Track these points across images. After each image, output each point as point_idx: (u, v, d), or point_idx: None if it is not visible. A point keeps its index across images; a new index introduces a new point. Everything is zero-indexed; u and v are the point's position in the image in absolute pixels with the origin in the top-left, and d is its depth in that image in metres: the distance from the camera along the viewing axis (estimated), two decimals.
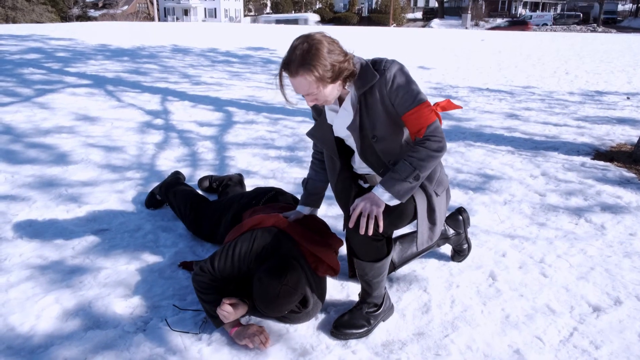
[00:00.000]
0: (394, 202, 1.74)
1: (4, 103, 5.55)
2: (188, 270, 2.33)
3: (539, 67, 11.45)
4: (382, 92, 1.74)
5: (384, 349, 1.87)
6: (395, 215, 1.81)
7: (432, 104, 1.78)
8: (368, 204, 1.73)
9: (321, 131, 1.98)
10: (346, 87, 1.78)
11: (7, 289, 2.13)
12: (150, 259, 2.43)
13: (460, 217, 2.46)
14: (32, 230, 2.66)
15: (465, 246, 2.49)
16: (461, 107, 2.00)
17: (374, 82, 1.73)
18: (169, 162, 3.82)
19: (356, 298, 2.15)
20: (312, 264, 2.01)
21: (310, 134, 2.04)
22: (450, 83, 8.72)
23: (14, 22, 36.37)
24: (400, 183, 1.72)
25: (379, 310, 1.98)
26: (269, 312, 1.80)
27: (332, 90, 1.72)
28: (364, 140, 1.84)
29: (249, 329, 1.86)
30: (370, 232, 1.71)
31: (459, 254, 2.49)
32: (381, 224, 1.72)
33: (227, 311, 1.81)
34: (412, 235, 2.35)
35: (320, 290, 2.03)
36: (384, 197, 1.73)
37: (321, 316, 2.05)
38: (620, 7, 61.06)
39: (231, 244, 1.97)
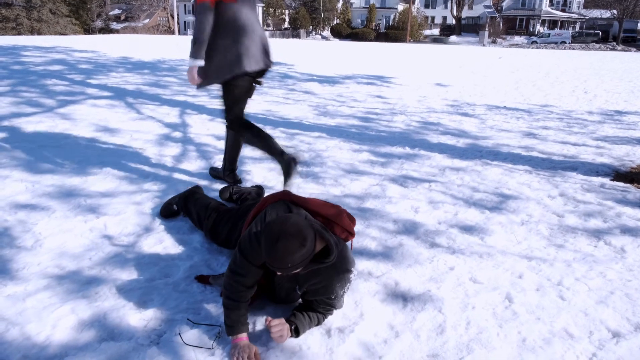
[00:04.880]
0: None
1: (27, 113, 5.67)
2: (204, 284, 2.33)
3: (557, 86, 11.37)
4: None
5: None
6: None
7: None
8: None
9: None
10: None
11: (24, 298, 2.16)
12: (165, 271, 2.44)
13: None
14: (50, 239, 2.70)
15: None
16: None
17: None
18: (186, 175, 3.85)
19: (372, 315, 2.13)
20: (327, 225, 2.03)
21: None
22: (467, 101, 8.70)
23: (39, 33, 37.29)
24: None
25: None
26: (274, 259, 1.74)
27: None
28: None
29: (248, 348, 1.85)
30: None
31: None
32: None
33: (284, 328, 1.89)
34: None
35: (344, 248, 2.01)
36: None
37: (335, 335, 2.03)
38: None
39: (249, 229, 2.00)
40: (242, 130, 3.28)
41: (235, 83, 3.08)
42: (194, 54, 2.90)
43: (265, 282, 2.16)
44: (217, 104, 6.97)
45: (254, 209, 2.19)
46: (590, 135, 6.07)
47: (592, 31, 53.93)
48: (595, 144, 5.58)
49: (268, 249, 1.75)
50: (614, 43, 49.02)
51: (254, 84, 3.20)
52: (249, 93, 3.21)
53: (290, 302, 2.18)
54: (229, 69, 2.97)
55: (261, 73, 3.16)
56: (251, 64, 3.00)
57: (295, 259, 1.73)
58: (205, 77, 3.01)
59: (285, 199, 2.14)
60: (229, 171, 3.62)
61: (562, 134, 6.08)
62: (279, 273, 1.84)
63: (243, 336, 1.89)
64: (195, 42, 2.88)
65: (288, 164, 3.12)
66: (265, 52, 3.10)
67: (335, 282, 1.98)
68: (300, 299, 2.14)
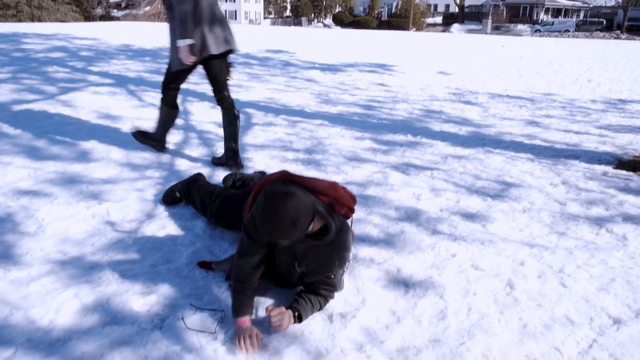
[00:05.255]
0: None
1: (29, 100, 5.66)
2: (206, 269, 2.34)
3: (561, 74, 11.30)
4: None
5: (398, 355, 1.86)
6: None
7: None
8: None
9: None
10: None
11: (28, 283, 2.17)
12: (168, 257, 2.45)
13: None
14: (53, 225, 2.71)
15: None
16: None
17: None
18: (188, 162, 3.85)
19: (374, 301, 2.15)
20: (327, 203, 2.04)
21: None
22: (470, 89, 8.66)
23: (40, 20, 37.07)
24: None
25: None
26: (267, 231, 1.79)
27: None
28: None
29: (249, 330, 1.88)
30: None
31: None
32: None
33: (284, 317, 1.90)
34: None
35: (344, 225, 2.02)
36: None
37: (337, 321, 2.04)
38: None
39: (251, 211, 2.03)
40: (166, 105, 3.70)
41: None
42: (184, 34, 3.19)
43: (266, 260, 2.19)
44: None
45: (254, 189, 2.21)
46: (593, 124, 6.04)
47: (597, 19, 53.41)
48: (598, 133, 5.56)
49: (262, 219, 1.78)
50: (619, 31, 48.58)
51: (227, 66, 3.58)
52: (190, 71, 3.55)
53: (290, 281, 2.17)
54: (199, 52, 3.30)
55: (225, 54, 3.50)
56: (219, 47, 3.37)
57: (290, 230, 1.76)
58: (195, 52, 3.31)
59: (284, 178, 2.14)
60: (231, 153, 3.70)
61: (565, 122, 6.06)
62: (282, 243, 1.86)
63: (246, 319, 1.91)
64: (182, 24, 3.16)
65: (160, 148, 3.95)
66: (228, 36, 3.46)
67: (334, 259, 1.99)
68: (302, 287, 2.14)
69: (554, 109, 7.03)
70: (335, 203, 2.07)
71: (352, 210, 2.15)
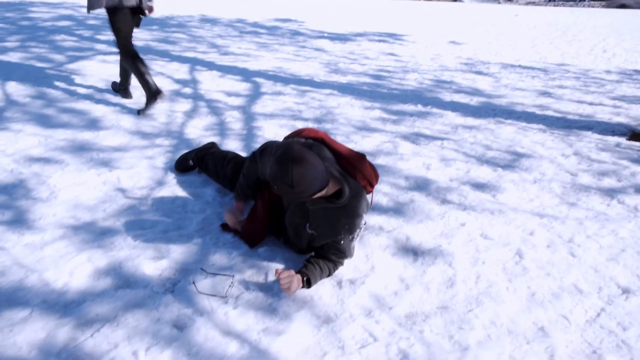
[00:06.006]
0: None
1: (37, 68, 5.64)
2: (228, 231, 2.40)
3: (575, 44, 11.07)
4: None
5: (407, 320, 1.88)
6: None
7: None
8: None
9: None
10: None
11: (41, 247, 2.20)
12: (179, 224, 2.47)
13: None
14: (65, 192, 2.73)
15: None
16: None
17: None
18: (197, 130, 3.85)
19: (383, 269, 2.16)
20: (349, 170, 2.07)
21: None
22: (482, 59, 8.51)
23: None
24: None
25: None
26: (272, 180, 1.79)
27: None
28: None
29: (237, 212, 2.25)
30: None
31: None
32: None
33: (292, 280, 1.92)
34: None
35: (359, 192, 2.03)
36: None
37: (346, 287, 2.06)
38: None
39: (273, 149, 2.15)
40: (128, 58, 4.04)
41: (116, 17, 3.83)
42: None
43: (276, 221, 2.28)
44: (226, 61, 6.90)
45: (293, 132, 2.34)
46: (608, 95, 5.94)
47: None
48: (612, 104, 5.46)
49: (271, 169, 1.79)
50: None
51: (139, 17, 4.01)
52: (130, 24, 3.94)
53: (299, 245, 2.20)
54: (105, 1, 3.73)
55: (139, 9, 3.92)
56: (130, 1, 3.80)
57: (289, 192, 1.77)
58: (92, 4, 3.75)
59: (314, 136, 2.18)
60: (122, 87, 4.54)
61: (579, 93, 5.96)
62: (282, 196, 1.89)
63: (239, 204, 2.44)
64: None
65: (153, 95, 4.04)
66: None
67: (343, 223, 1.99)
68: (313, 252, 2.16)
69: (567, 79, 6.90)
70: (357, 172, 2.10)
71: (371, 185, 2.17)
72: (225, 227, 2.43)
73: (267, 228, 2.32)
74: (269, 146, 2.25)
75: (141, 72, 3.98)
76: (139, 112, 4.11)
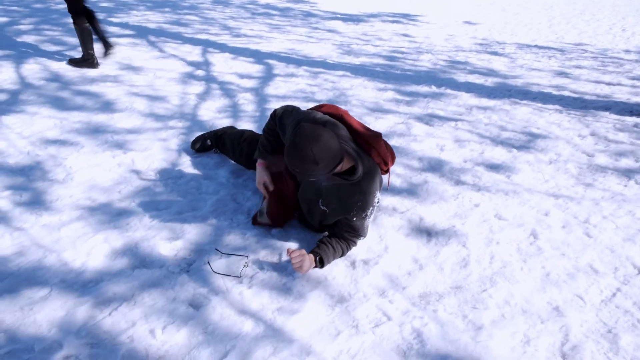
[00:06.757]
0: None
1: (51, 51, 5.67)
2: (259, 226, 2.32)
3: (593, 24, 10.82)
4: None
5: (421, 300, 1.89)
6: None
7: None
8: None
9: None
10: None
11: (59, 228, 2.24)
12: (193, 205, 2.49)
13: None
14: (80, 173, 2.76)
15: None
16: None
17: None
18: (210, 112, 3.85)
19: (396, 249, 2.16)
20: (365, 147, 2.05)
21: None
22: (497, 39, 8.36)
23: None
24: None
25: None
26: (288, 158, 1.76)
27: None
28: None
29: (265, 173, 2.29)
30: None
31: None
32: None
33: (304, 259, 1.92)
34: None
35: (373, 169, 2.01)
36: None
37: (359, 267, 2.07)
38: None
39: (293, 123, 2.12)
40: (80, 18, 4.55)
41: None
42: None
43: (291, 198, 2.29)
44: (238, 43, 6.87)
45: (316, 106, 2.28)
46: (626, 75, 5.81)
47: None
48: (631, 84, 5.35)
49: (287, 147, 1.76)
50: None
51: None
52: None
53: (312, 222, 2.21)
54: None
55: None
56: None
57: (308, 168, 1.73)
58: None
59: (332, 112, 2.15)
60: (85, 57, 4.93)
61: (596, 73, 5.84)
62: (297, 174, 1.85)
63: (262, 162, 2.37)
64: None
65: (106, 48, 5.03)
66: None
67: (355, 200, 1.98)
68: (327, 232, 2.17)
69: (584, 59, 6.76)
70: (372, 150, 2.06)
71: (386, 164, 2.12)
72: (255, 221, 2.34)
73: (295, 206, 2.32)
74: (288, 111, 2.24)
75: (97, 30, 4.54)
76: (70, 61, 4.88)
